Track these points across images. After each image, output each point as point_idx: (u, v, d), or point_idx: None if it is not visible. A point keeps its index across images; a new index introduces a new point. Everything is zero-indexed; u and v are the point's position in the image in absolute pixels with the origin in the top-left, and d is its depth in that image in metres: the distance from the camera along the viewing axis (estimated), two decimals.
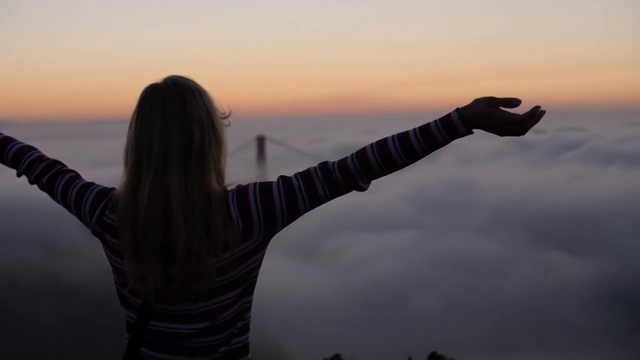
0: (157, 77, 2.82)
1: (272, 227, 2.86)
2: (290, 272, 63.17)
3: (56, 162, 3.25)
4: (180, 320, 2.85)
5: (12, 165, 3.32)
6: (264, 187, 2.85)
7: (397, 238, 75.86)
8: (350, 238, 76.49)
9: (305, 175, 2.86)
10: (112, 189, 3.00)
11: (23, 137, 3.45)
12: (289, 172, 2.91)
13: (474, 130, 2.76)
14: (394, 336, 45.41)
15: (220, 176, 2.86)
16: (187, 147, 2.73)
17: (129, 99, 2.89)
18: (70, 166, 3.29)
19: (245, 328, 2.96)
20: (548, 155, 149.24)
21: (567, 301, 59.20)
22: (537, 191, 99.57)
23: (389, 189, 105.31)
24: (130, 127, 2.78)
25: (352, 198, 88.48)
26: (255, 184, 2.87)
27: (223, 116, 2.91)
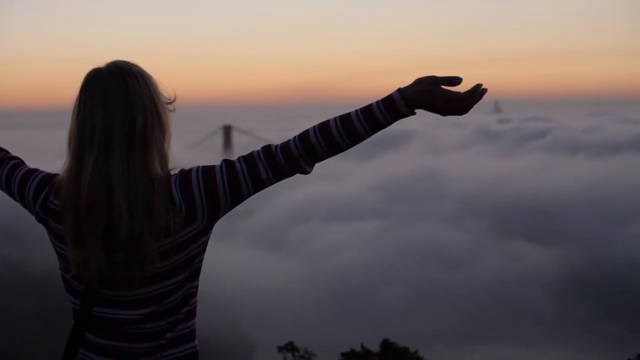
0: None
1: (215, 211, 2.79)
2: (257, 261, 63.36)
3: None
4: (124, 306, 2.79)
5: None
6: (207, 171, 2.79)
7: (364, 228, 76.25)
8: (317, 227, 76.82)
9: (248, 159, 2.81)
10: (56, 174, 2.89)
11: None
12: None
13: (416, 110, 2.76)
14: (358, 325, 45.39)
15: (163, 160, 2.79)
16: (130, 131, 2.68)
17: None
18: (28, 157, 3.21)
19: (191, 314, 2.93)
20: (514, 145, 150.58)
21: (533, 291, 59.58)
22: (503, 181, 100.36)
23: (355, 179, 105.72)
24: (73, 112, 2.75)
25: (318, 187, 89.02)
26: (198, 167, 2.81)
27: (168, 101, 2.84)
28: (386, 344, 13.46)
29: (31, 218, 3.05)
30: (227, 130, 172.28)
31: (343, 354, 14.17)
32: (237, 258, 60.07)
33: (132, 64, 2.77)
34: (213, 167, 2.81)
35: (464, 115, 2.78)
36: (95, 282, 2.75)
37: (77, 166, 2.69)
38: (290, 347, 21.96)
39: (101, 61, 2.77)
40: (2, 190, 3.09)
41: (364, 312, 52.59)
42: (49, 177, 2.92)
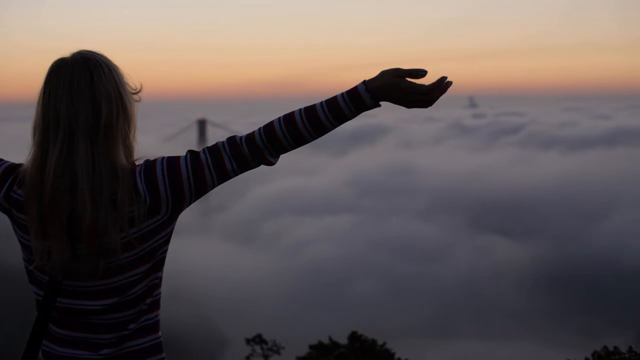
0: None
1: (179, 202, 2.76)
2: (230, 255, 63.32)
3: None
4: (87, 297, 2.76)
5: None
6: (172, 162, 2.76)
7: (337, 222, 76.32)
8: (290, 222, 76.84)
9: (213, 150, 2.80)
10: (20, 164, 2.86)
11: None
12: None
13: (381, 102, 2.74)
14: (330, 319, 45.42)
15: (129, 151, 2.77)
16: (94, 121, 2.66)
17: None
18: (17, 150, 3.22)
19: (155, 305, 2.88)
20: (488, 140, 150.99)
21: (506, 285, 59.85)
22: (476, 176, 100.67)
23: (329, 173, 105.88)
24: (37, 102, 2.72)
25: (292, 182, 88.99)
26: (163, 158, 2.78)
27: (133, 91, 2.81)
28: (354, 337, 13.53)
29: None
30: (202, 124, 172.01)
31: (311, 347, 14.17)
32: (211, 252, 60.11)
33: (97, 53, 2.75)
34: (178, 157, 2.79)
35: (428, 107, 2.81)
36: (58, 273, 2.72)
37: (42, 157, 2.66)
38: (258, 340, 22.04)
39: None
40: None
41: (335, 306, 52.68)
42: (13, 167, 2.88)
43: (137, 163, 2.77)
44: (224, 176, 2.80)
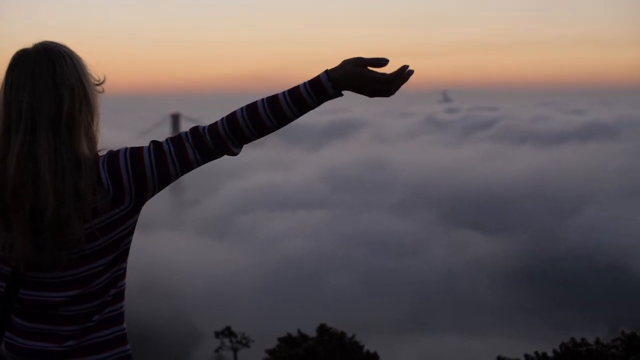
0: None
1: (143, 192, 2.77)
2: (204, 250, 63.34)
3: None
4: (51, 288, 2.75)
5: None
6: (135, 152, 2.75)
7: (311, 217, 76.41)
8: (264, 216, 76.94)
9: (176, 140, 2.79)
10: None
11: None
12: None
13: (343, 92, 2.76)
14: (302, 313, 45.51)
15: (92, 141, 2.76)
16: (57, 112, 2.65)
17: None
18: None
19: (120, 296, 2.87)
20: (462, 135, 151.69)
21: (480, 280, 60.10)
22: (450, 170, 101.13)
23: (303, 168, 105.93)
24: None
25: (266, 177, 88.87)
26: (126, 149, 2.78)
27: (96, 82, 2.81)
28: (323, 329, 13.57)
29: None
30: (176, 119, 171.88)
31: (280, 339, 14.19)
32: (185, 247, 60.19)
33: (60, 44, 2.74)
34: (141, 148, 2.78)
35: (390, 96, 2.80)
36: (21, 264, 2.71)
37: (3, 148, 2.66)
38: (227, 333, 22.22)
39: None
40: None
41: (309, 301, 52.84)
42: None
43: (100, 154, 2.75)
44: (187, 166, 2.80)
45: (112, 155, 2.74)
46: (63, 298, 2.75)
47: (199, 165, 2.84)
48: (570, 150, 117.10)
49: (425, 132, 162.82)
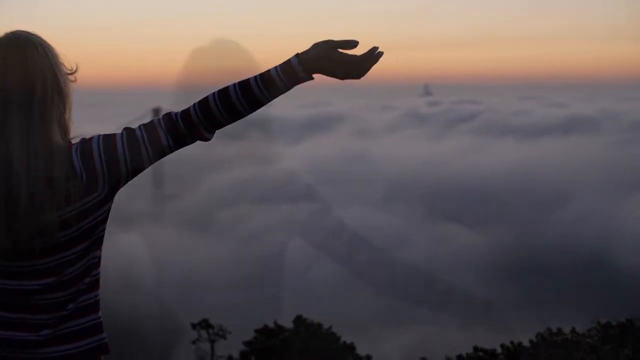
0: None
1: (116, 179, 2.80)
2: (185, 243, 63.20)
3: None
4: (24, 277, 2.77)
5: None
6: (108, 139, 2.81)
7: (293, 210, 76.18)
8: (246, 210, 76.73)
9: (148, 127, 2.84)
10: None
11: None
12: None
13: (314, 75, 2.80)
14: (283, 306, 45.52)
15: (64, 129, 2.80)
16: (29, 100, 2.68)
17: None
18: None
19: (95, 285, 2.90)
20: (443, 128, 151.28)
21: (463, 273, 60.11)
22: (433, 164, 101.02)
23: (285, 161, 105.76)
24: None
25: (248, 169, 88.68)
26: (99, 136, 2.83)
27: (69, 72, 2.83)
28: (299, 320, 13.67)
29: None
30: (157, 113, 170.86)
31: (257, 331, 14.27)
32: (167, 241, 60.05)
33: (31, 33, 2.75)
34: (114, 135, 2.82)
35: (361, 78, 2.83)
36: None
37: None
38: (204, 325, 22.34)
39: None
40: None
41: (290, 294, 52.81)
42: None
43: (73, 142, 2.79)
44: (160, 152, 2.82)
45: (85, 142, 2.78)
46: (37, 286, 2.75)
47: (171, 151, 2.85)
48: (552, 143, 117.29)
49: (407, 125, 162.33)
